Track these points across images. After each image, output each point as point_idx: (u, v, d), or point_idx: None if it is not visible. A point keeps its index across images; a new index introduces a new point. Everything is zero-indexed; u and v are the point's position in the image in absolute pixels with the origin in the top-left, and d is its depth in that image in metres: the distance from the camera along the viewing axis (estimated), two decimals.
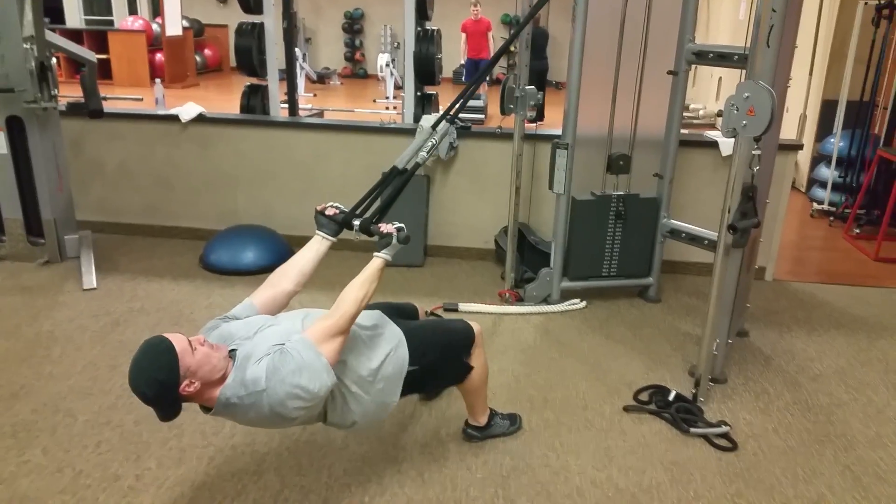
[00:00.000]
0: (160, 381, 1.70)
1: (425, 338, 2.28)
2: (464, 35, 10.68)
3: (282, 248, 4.26)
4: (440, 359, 2.28)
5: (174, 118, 4.51)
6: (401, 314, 2.41)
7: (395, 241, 2.08)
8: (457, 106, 2.77)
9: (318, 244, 2.23)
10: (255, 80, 5.33)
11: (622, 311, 3.80)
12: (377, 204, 2.40)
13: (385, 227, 2.10)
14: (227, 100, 10.57)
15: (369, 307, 2.21)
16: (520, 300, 3.86)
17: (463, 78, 11.48)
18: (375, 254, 2.08)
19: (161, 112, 4.66)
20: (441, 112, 4.55)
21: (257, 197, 4.58)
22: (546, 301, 3.86)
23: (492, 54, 11.25)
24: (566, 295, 3.88)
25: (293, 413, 1.82)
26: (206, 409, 1.84)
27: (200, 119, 4.53)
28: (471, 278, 4.20)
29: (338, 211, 2.23)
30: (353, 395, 2.02)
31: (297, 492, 2.28)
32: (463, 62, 11.38)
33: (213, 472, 2.37)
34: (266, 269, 4.10)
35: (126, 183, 4.68)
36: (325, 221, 2.23)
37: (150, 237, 4.70)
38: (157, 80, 4.98)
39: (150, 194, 4.68)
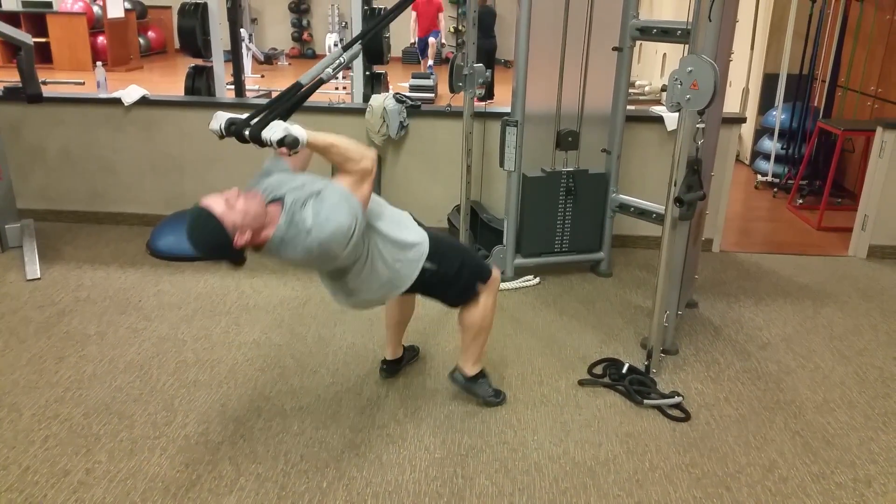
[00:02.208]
0: (217, 245, 1.92)
1: (448, 247, 2.48)
2: (414, 14, 10.59)
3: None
4: (456, 271, 2.43)
5: (117, 102, 4.36)
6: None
7: (289, 153, 2.05)
8: (371, 31, 2.77)
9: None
10: (199, 62, 5.19)
11: (575, 287, 3.85)
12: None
13: (267, 134, 2.00)
14: (172, 82, 10.29)
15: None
16: None
17: (420, 58, 11.42)
18: (292, 154, 2.08)
19: (103, 96, 4.50)
20: (389, 92, 4.51)
21: (204, 180, 4.48)
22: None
23: (442, 33, 11.19)
24: (520, 272, 3.91)
25: (337, 250, 2.02)
26: (257, 249, 2.04)
27: (144, 102, 4.39)
28: None
29: (225, 131, 2.12)
30: (379, 255, 2.22)
31: (254, 480, 2.26)
32: (413, 41, 11.30)
33: (165, 463, 2.32)
34: None
35: (68, 169, 4.52)
36: (221, 137, 2.16)
37: (96, 224, 4.56)
38: (99, 64, 4.79)
39: (93, 180, 4.54)
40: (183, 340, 3.13)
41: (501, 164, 3.72)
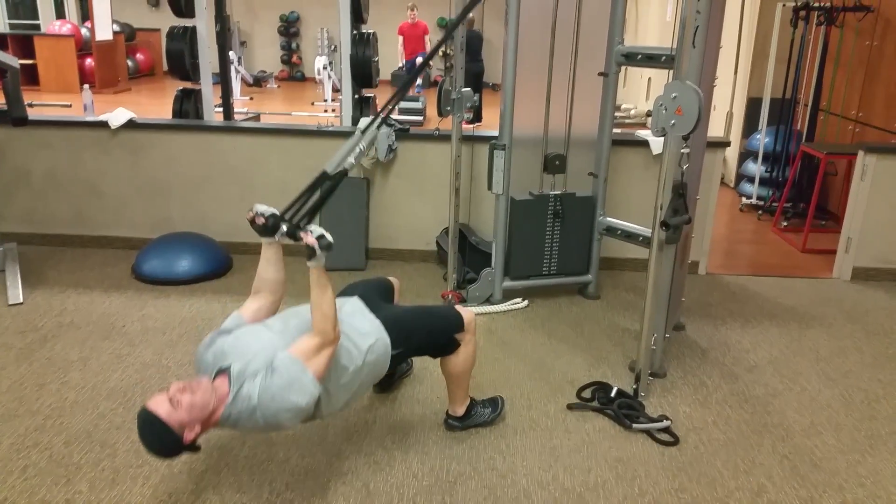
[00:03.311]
0: (167, 447, 1.90)
1: (409, 323, 2.41)
2: (401, 38, 10.70)
3: (218, 256, 4.16)
4: (426, 338, 2.43)
5: (104, 125, 4.35)
6: (379, 293, 2.56)
7: (317, 251, 2.05)
8: (387, 109, 2.74)
9: (267, 250, 2.26)
10: (187, 85, 5.19)
11: (563, 309, 3.85)
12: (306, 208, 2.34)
13: (307, 238, 2.06)
14: (160, 104, 10.29)
15: (347, 293, 2.44)
16: (463, 301, 3.87)
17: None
18: (308, 264, 2.08)
19: (90, 119, 4.49)
20: (374, 115, 4.54)
21: (192, 203, 4.46)
22: (489, 301, 3.88)
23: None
24: (508, 294, 3.91)
25: (286, 423, 1.99)
26: (215, 426, 2.00)
27: (131, 125, 4.38)
28: (413, 280, 4.19)
29: (264, 218, 2.17)
30: (342, 389, 2.15)
31: None
32: (402, 65, 11.42)
33: (148, 493, 2.28)
34: (202, 278, 4.02)
35: (54, 192, 4.49)
36: (258, 229, 2.20)
37: (80, 248, 4.52)
38: (86, 86, 4.79)
39: (79, 203, 4.51)
40: (167, 366, 3.09)
41: (489, 188, 3.74)
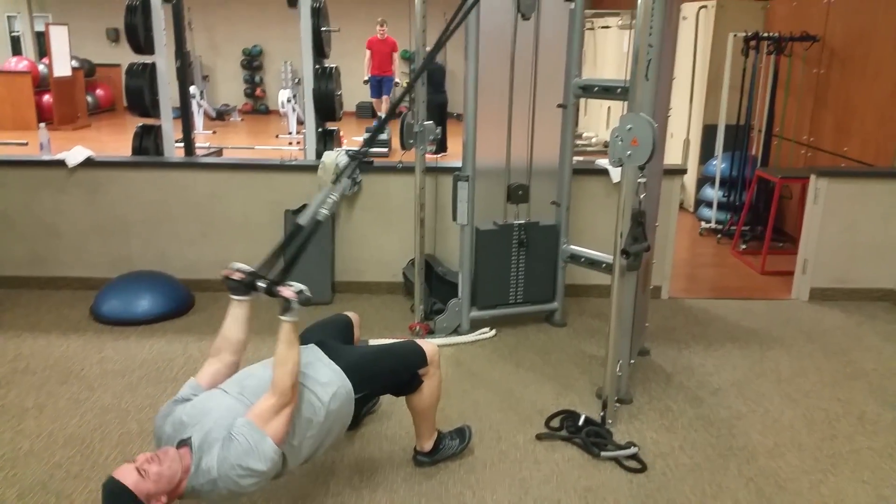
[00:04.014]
0: None
1: (370, 365, 2.39)
2: (369, 52, 10.70)
3: (179, 294, 4.10)
4: (388, 378, 2.42)
5: (61, 163, 4.27)
6: (337, 333, 2.55)
7: (294, 305, 2.07)
8: (359, 157, 2.90)
9: (236, 308, 2.26)
10: (148, 121, 5.14)
11: (531, 338, 3.86)
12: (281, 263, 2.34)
13: (285, 292, 2.09)
14: (120, 140, 10.16)
15: (304, 340, 2.35)
16: (430, 332, 3.86)
17: (369, 95, 11.51)
18: (280, 317, 2.09)
19: (46, 157, 4.42)
20: (342, 148, 4.55)
21: (152, 241, 4.39)
22: (456, 332, 3.88)
23: (396, 74, 11.33)
24: (476, 324, 3.91)
25: (249, 489, 1.96)
26: (179, 497, 1.96)
27: (89, 163, 4.31)
28: (381, 313, 4.17)
29: (244, 275, 2.20)
30: (308, 441, 2.13)
31: None
32: (367, 78, 11.36)
33: None
34: (163, 318, 3.95)
35: (8, 233, 4.38)
36: (233, 286, 2.21)
37: (37, 289, 4.40)
38: (42, 125, 4.73)
39: (35, 244, 4.41)
40: (127, 410, 3.01)
41: (454, 218, 3.76)
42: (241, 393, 2.09)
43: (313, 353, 2.33)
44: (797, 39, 5.51)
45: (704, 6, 6.39)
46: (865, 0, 4.86)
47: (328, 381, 2.23)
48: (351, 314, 2.75)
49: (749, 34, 5.66)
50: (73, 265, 4.44)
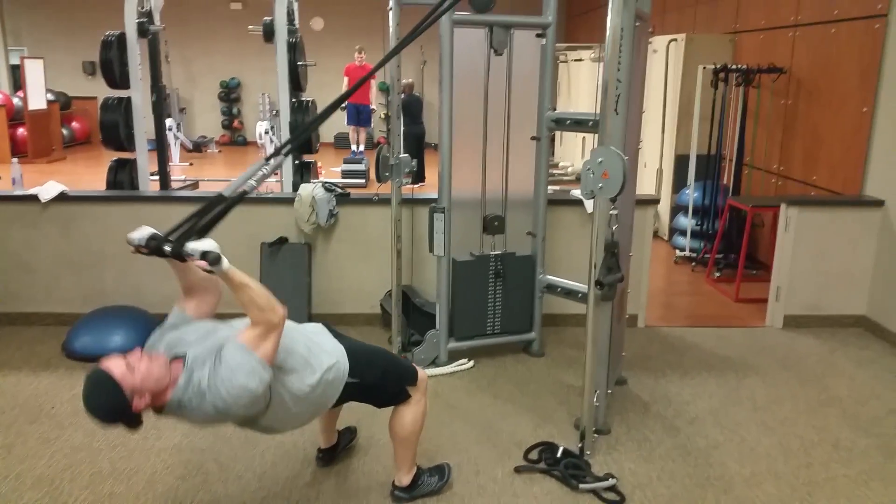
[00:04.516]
0: (112, 409, 1.87)
1: (368, 356, 2.42)
2: (346, 79, 10.76)
3: (153, 328, 4.02)
4: (380, 379, 2.41)
5: (33, 198, 4.23)
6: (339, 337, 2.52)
7: (209, 268, 1.98)
8: (294, 140, 2.78)
9: (172, 266, 2.16)
10: (123, 155, 5.13)
11: (509, 368, 3.86)
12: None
13: (192, 262, 2.00)
14: (96, 173, 10.08)
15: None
16: None
17: (345, 122, 11.55)
18: (213, 272, 2.01)
19: (18, 192, 4.37)
20: (319, 180, 4.56)
21: (126, 275, 4.35)
22: (434, 363, 3.86)
23: (373, 102, 11.40)
24: (454, 355, 3.90)
25: (237, 411, 1.96)
26: (157, 410, 1.97)
27: (63, 198, 4.27)
28: None
29: (146, 247, 2.05)
30: (294, 400, 2.13)
31: None
32: (344, 106, 11.43)
33: None
34: None
35: None
36: (146, 255, 2.09)
37: (7, 326, 4.32)
38: (14, 160, 4.69)
39: (6, 280, 4.34)
40: (98, 449, 2.95)
41: (431, 250, 3.77)
42: (232, 325, 2.12)
43: (318, 327, 2.42)
44: (765, 71, 5.66)
45: (674, 39, 6.55)
46: (828, 33, 5.01)
47: (330, 351, 2.28)
48: None
49: (718, 66, 5.80)
50: (45, 301, 4.37)
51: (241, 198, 2.20)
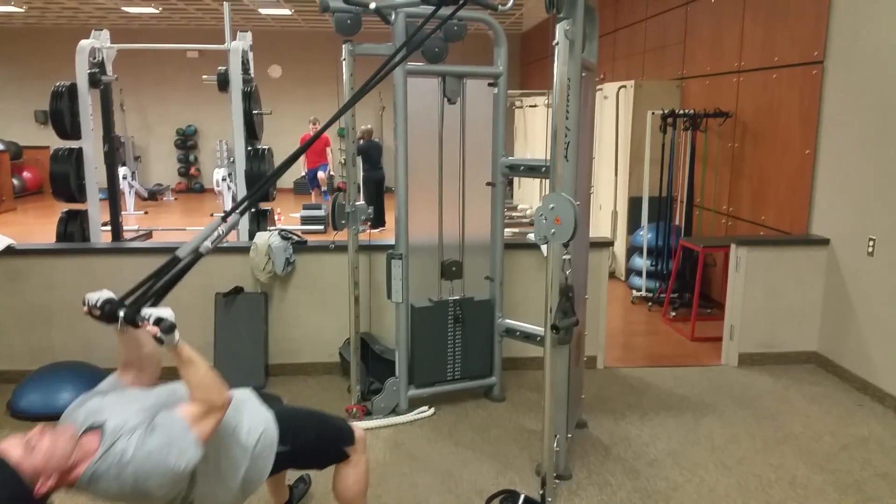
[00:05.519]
0: (10, 498, 1.66)
1: (299, 420, 2.32)
2: None
3: None
4: (314, 443, 2.31)
5: None
6: (269, 402, 2.40)
7: (161, 335, 1.88)
8: (246, 203, 2.75)
9: (119, 335, 2.04)
10: (73, 206, 5.04)
11: (470, 414, 3.83)
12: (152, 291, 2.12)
13: (145, 327, 1.90)
14: (47, 223, 9.82)
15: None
16: (368, 414, 3.78)
17: (310, 188, 11.65)
18: (162, 348, 1.93)
19: None
20: (276, 228, 4.53)
21: (75, 330, 4.22)
22: (394, 412, 3.81)
23: (330, 166, 11.53)
24: (414, 403, 3.86)
25: (156, 490, 1.80)
26: (69, 486, 1.79)
27: (9, 252, 4.16)
28: (317, 395, 4.08)
29: (100, 309, 1.95)
30: (220, 477, 2.02)
31: None
32: (304, 174, 11.56)
33: None
34: None
35: None
36: (95, 318, 1.99)
37: None
38: None
39: None
40: None
41: (389, 296, 3.76)
42: (172, 394, 1.99)
43: (246, 394, 2.27)
44: (711, 116, 5.86)
45: (624, 86, 6.76)
46: (770, 78, 5.23)
47: (258, 419, 2.16)
48: (281, 396, 2.66)
49: (666, 111, 6.00)
50: None
51: (197, 259, 2.14)
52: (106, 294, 1.98)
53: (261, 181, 2.38)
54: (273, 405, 2.29)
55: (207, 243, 2.17)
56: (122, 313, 1.93)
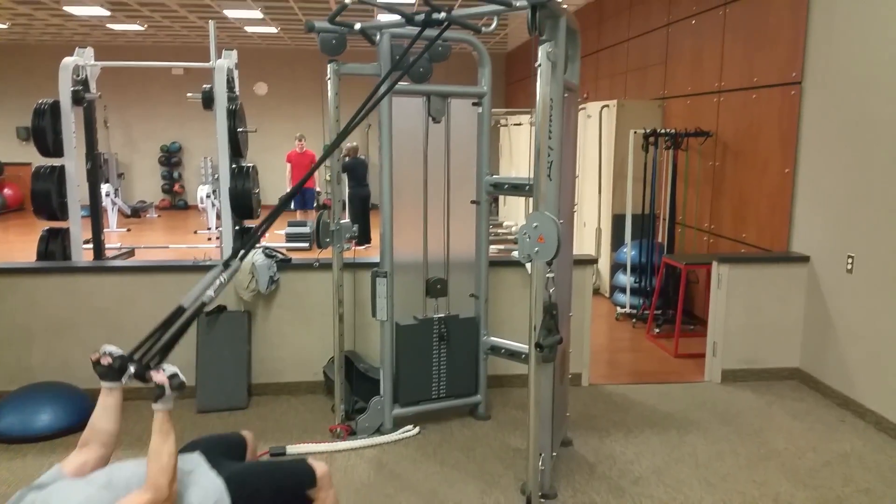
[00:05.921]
0: None
1: (254, 481, 2.20)
2: (289, 165, 10.87)
3: (83, 405, 3.85)
4: (274, 497, 2.21)
5: None
6: (226, 450, 2.34)
7: (167, 391, 1.94)
8: (254, 240, 2.72)
9: (107, 397, 2.08)
10: (55, 224, 4.99)
11: (455, 433, 3.82)
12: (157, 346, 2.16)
13: (157, 377, 1.95)
14: (29, 240, 9.71)
15: (190, 447, 2.22)
16: (352, 433, 3.76)
17: (292, 206, 11.59)
18: (153, 405, 1.95)
19: None
20: (260, 245, 4.52)
21: (55, 350, 4.17)
22: (379, 431, 3.79)
23: (316, 184, 11.54)
24: (399, 422, 3.84)
25: None
26: None
27: None
28: (301, 415, 4.05)
29: (111, 358, 2.02)
30: None
31: None
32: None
33: None
34: (66, 432, 3.70)
35: None
36: (102, 371, 2.04)
37: None
38: None
39: None
40: None
41: (374, 314, 3.75)
42: (109, 484, 1.91)
43: (194, 460, 2.18)
44: (692, 135, 5.93)
45: (607, 105, 6.84)
46: (749, 98, 5.32)
47: (208, 493, 2.07)
48: (246, 433, 2.58)
49: (648, 131, 6.07)
50: None
51: (201, 309, 2.16)
52: (119, 350, 2.05)
53: (265, 218, 2.35)
54: (224, 468, 2.19)
55: (210, 292, 2.19)
56: (132, 368, 1.99)
